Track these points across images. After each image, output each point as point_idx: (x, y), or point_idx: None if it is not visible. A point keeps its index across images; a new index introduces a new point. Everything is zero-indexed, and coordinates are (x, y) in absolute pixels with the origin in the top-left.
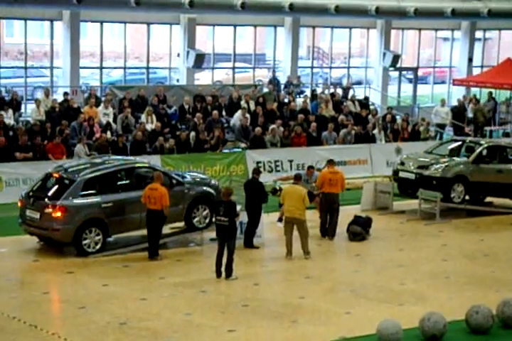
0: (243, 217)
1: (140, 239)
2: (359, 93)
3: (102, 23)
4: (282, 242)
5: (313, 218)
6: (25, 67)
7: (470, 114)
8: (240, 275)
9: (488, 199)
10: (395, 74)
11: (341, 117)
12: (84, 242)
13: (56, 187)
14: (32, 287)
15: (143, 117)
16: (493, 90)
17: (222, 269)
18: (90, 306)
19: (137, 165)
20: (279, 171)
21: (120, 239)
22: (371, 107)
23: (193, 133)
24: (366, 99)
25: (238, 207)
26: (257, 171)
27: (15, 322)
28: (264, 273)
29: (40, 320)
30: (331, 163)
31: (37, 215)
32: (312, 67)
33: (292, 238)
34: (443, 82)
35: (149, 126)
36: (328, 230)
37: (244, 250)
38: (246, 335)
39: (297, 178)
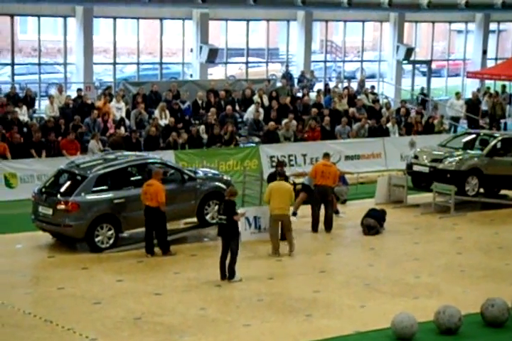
0: (249, 213)
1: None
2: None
3: (115, 18)
4: (296, 236)
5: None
6: (39, 64)
7: (484, 107)
8: (254, 270)
9: (503, 192)
10: (408, 67)
11: (352, 110)
12: (97, 239)
13: (68, 183)
14: (47, 283)
15: (156, 113)
16: (507, 83)
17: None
18: (105, 301)
19: (149, 160)
20: (292, 165)
21: (134, 234)
22: (384, 100)
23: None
24: (372, 87)
25: (243, 210)
26: (281, 163)
27: (30, 317)
28: (278, 267)
29: (55, 316)
30: (326, 156)
31: (49, 211)
32: (325, 61)
33: (278, 235)
34: (457, 75)
35: (163, 122)
36: (324, 224)
37: (257, 244)
38: (261, 329)
39: (282, 175)
